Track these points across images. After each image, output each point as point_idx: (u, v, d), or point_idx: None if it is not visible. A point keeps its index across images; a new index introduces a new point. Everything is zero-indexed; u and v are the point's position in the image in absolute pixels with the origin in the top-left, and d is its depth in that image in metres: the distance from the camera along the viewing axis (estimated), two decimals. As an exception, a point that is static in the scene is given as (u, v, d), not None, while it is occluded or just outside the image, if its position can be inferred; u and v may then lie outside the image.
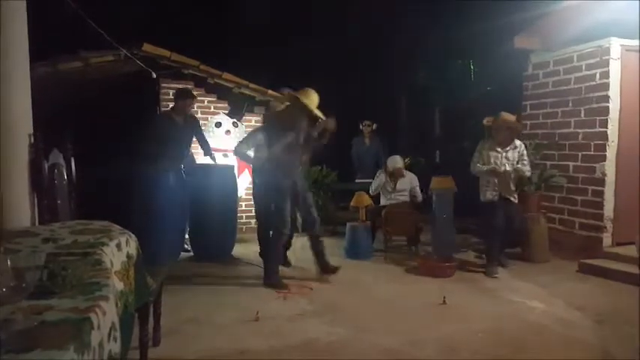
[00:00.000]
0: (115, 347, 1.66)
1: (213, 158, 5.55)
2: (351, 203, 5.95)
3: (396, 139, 8.21)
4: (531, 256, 5.40)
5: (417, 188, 6.12)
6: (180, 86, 5.97)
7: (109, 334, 1.60)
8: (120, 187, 4.68)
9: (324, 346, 3.25)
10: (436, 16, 8.33)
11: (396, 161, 6.10)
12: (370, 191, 6.15)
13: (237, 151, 4.79)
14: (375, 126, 7.63)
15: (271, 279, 4.52)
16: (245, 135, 5.27)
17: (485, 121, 5.25)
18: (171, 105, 5.48)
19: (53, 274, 1.79)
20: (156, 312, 3.15)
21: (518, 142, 5.14)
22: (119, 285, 2.15)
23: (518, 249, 5.55)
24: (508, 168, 5.03)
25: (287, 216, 4.55)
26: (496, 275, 4.92)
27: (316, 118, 4.58)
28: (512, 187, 5.15)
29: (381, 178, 6.16)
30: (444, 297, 4.11)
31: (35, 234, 2.36)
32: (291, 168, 4.59)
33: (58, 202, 3.33)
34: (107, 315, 1.60)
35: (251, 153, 4.90)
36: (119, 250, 2.32)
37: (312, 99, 4.52)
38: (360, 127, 7.64)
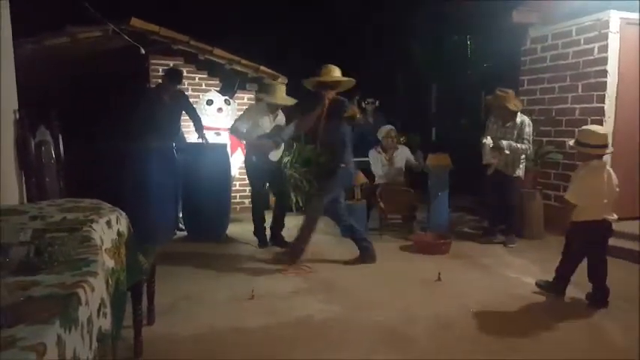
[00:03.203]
0: (106, 324, 1.62)
1: (203, 137, 5.45)
2: (346, 182, 5.89)
3: (392, 116, 8.11)
4: (526, 232, 5.40)
5: (412, 158, 6.06)
6: (170, 63, 5.84)
7: (99, 310, 1.56)
8: (110, 164, 4.60)
9: (319, 323, 3.24)
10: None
11: (386, 126, 6.10)
12: (375, 172, 6.07)
13: None
14: (377, 103, 7.57)
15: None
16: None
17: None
18: (159, 81, 5.39)
19: (40, 250, 1.73)
20: (149, 291, 3.12)
21: (519, 120, 5.05)
22: (110, 262, 2.10)
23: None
24: (503, 142, 4.98)
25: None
26: (511, 246, 5.12)
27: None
28: (508, 162, 5.10)
29: (375, 155, 6.10)
30: (439, 274, 4.10)
31: (23, 212, 2.30)
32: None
33: (47, 180, 3.27)
34: (96, 291, 1.55)
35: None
36: (109, 227, 2.26)
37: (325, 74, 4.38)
38: (363, 105, 7.59)
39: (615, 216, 3.52)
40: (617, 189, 3.52)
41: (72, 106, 5.06)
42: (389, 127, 6.11)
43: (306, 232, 4.42)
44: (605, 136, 3.49)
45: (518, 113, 5.04)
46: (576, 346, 2.94)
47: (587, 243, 3.53)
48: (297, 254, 4.42)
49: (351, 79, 4.40)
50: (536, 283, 3.87)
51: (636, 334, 2.99)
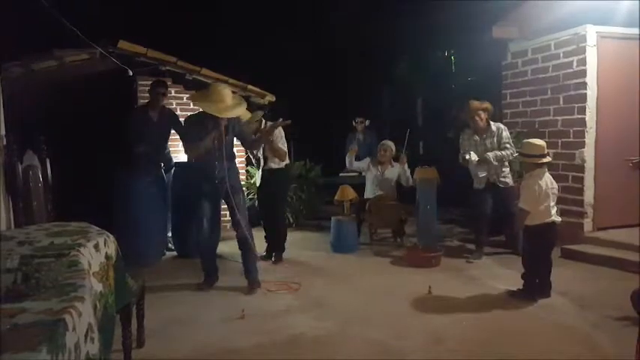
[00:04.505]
0: (93, 348, 1.63)
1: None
2: (335, 197, 5.94)
3: (379, 131, 8.22)
4: (514, 243, 5.44)
5: (403, 174, 6.10)
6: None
7: (86, 336, 1.57)
8: (98, 187, 4.60)
9: (311, 340, 3.24)
10: (415, 6, 8.33)
11: (387, 141, 6.23)
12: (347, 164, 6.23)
13: None
14: (367, 122, 7.71)
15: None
16: None
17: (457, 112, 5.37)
18: (146, 100, 5.45)
19: (27, 276, 1.74)
20: (139, 313, 3.11)
21: (495, 127, 5.12)
22: (98, 286, 2.10)
23: (501, 237, 5.60)
24: (489, 154, 5.03)
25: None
26: (472, 261, 5.07)
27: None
28: (499, 172, 5.13)
29: (368, 166, 6.20)
30: (430, 287, 4.13)
31: (10, 237, 2.30)
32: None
33: (34, 204, 3.26)
34: (83, 316, 1.56)
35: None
36: (97, 251, 2.27)
37: (213, 99, 4.06)
38: (353, 123, 7.73)
39: (559, 218, 3.98)
40: (556, 192, 3.95)
41: (59, 129, 5.07)
42: (385, 141, 6.26)
43: (249, 253, 4.37)
44: (541, 147, 3.91)
45: (491, 122, 5.12)
46: (571, 358, 2.96)
47: (543, 242, 3.91)
48: (256, 277, 4.35)
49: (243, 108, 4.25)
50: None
51: (630, 343, 3.00)
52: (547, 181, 3.88)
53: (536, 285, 3.92)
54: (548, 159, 3.94)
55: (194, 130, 4.20)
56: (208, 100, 4.09)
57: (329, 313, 3.71)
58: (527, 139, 5.76)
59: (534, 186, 3.82)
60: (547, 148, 5.68)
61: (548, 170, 5.59)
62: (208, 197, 4.29)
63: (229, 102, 4.12)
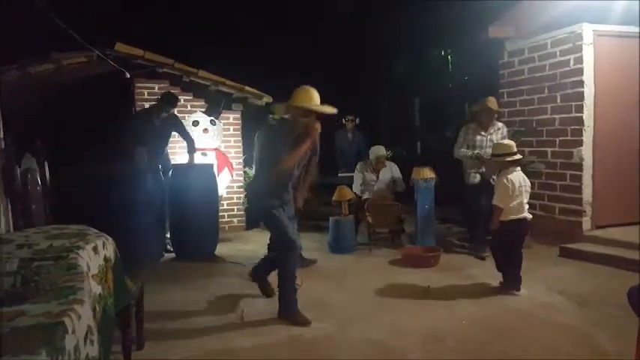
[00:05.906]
0: (93, 351, 1.63)
1: (192, 158, 5.54)
2: (333, 197, 5.93)
3: (377, 131, 8.23)
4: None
5: (399, 176, 6.14)
6: (155, 85, 5.91)
7: (85, 338, 1.57)
8: (97, 189, 4.60)
9: (310, 341, 3.24)
10: (412, 6, 8.35)
11: (379, 149, 6.15)
12: (355, 189, 6.10)
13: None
14: (357, 120, 7.69)
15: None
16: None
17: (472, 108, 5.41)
18: (150, 104, 5.48)
19: (26, 279, 1.74)
20: (138, 315, 3.10)
21: (500, 124, 5.32)
22: (97, 288, 2.10)
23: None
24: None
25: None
26: (486, 254, 5.01)
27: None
28: (493, 170, 5.19)
29: (361, 173, 6.16)
30: (428, 286, 4.13)
31: (9, 240, 2.30)
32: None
33: (33, 207, 3.27)
34: (82, 318, 1.56)
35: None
36: (96, 253, 2.27)
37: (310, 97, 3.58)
38: (343, 121, 7.70)
39: (530, 215, 4.16)
40: (529, 190, 4.14)
41: (57, 131, 5.08)
42: (381, 149, 6.14)
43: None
44: (509, 146, 4.16)
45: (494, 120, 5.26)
46: (570, 356, 2.96)
47: (515, 237, 4.10)
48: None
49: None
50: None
51: (630, 341, 3.00)
52: (519, 179, 4.07)
53: (518, 275, 4.06)
54: (517, 157, 4.13)
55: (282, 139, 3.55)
56: (308, 100, 3.54)
57: (327, 314, 3.70)
58: (526, 137, 5.86)
59: (506, 184, 4.03)
60: (545, 146, 5.83)
61: (546, 169, 5.74)
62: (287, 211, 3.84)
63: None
